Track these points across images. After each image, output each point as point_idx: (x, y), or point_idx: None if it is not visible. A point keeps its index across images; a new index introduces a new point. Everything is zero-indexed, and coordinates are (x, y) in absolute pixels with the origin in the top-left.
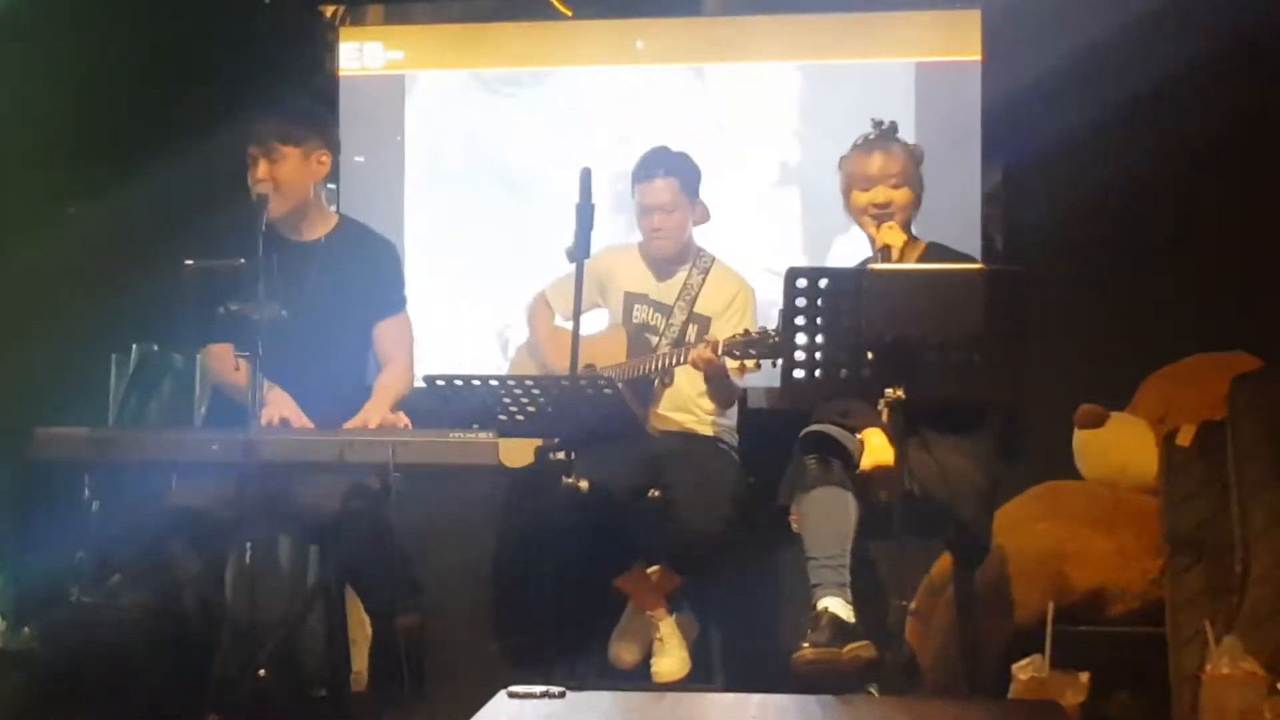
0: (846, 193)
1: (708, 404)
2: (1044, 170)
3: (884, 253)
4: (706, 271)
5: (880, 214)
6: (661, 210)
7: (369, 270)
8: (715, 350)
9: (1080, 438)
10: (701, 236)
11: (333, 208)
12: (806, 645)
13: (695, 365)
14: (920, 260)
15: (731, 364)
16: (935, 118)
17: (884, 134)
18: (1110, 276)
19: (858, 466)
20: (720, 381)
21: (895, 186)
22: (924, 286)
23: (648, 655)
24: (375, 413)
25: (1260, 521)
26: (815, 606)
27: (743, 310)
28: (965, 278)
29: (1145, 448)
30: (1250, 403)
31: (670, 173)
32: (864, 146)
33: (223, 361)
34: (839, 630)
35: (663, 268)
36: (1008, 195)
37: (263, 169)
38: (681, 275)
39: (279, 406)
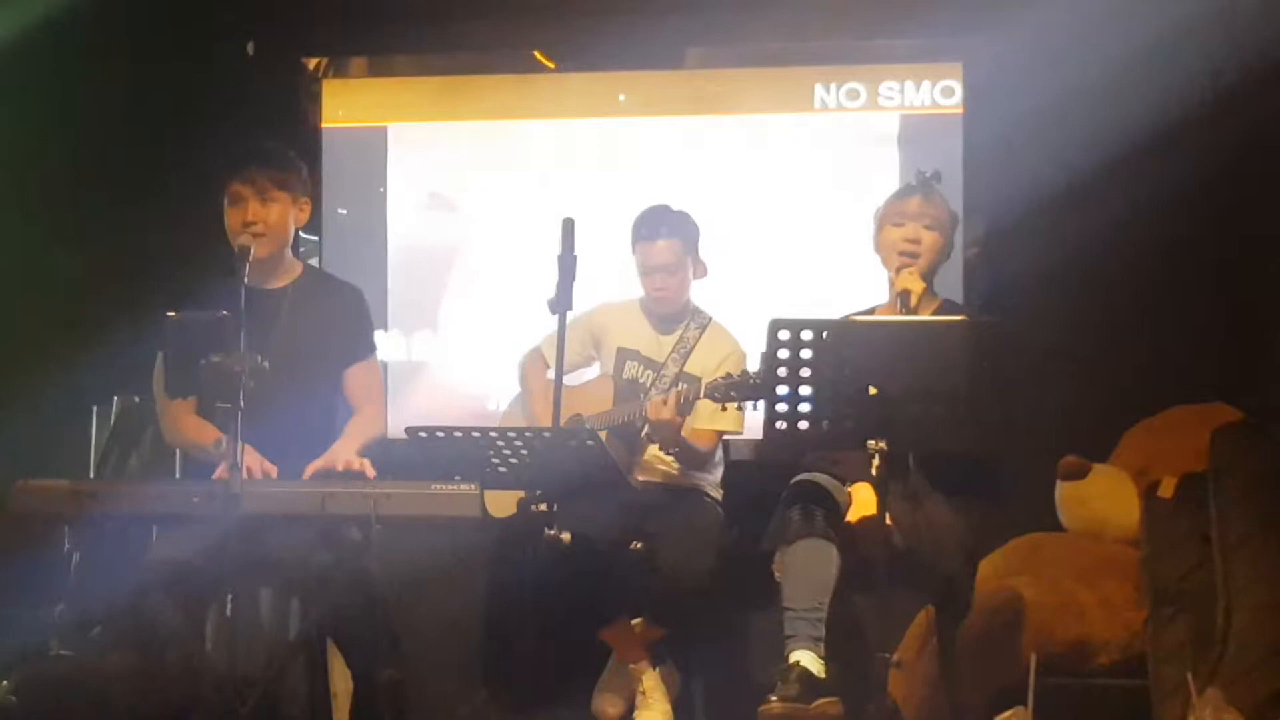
0: (879, 230)
1: None
2: (1025, 221)
3: (902, 297)
4: (702, 330)
5: (909, 250)
6: (664, 271)
7: (336, 317)
8: (687, 397)
9: (1062, 490)
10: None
11: (314, 260)
12: (775, 698)
13: (649, 417)
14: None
15: (713, 406)
16: (919, 169)
17: (926, 181)
18: (1091, 328)
19: (845, 517)
20: (672, 445)
21: (928, 227)
22: (906, 337)
23: (631, 708)
24: (341, 454)
25: (1243, 574)
26: (787, 659)
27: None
28: (947, 329)
29: (1127, 500)
30: (1232, 455)
31: (673, 233)
32: (905, 190)
33: (190, 425)
34: (808, 685)
35: (662, 323)
36: (990, 246)
37: (254, 210)
38: (678, 332)
39: (249, 460)
